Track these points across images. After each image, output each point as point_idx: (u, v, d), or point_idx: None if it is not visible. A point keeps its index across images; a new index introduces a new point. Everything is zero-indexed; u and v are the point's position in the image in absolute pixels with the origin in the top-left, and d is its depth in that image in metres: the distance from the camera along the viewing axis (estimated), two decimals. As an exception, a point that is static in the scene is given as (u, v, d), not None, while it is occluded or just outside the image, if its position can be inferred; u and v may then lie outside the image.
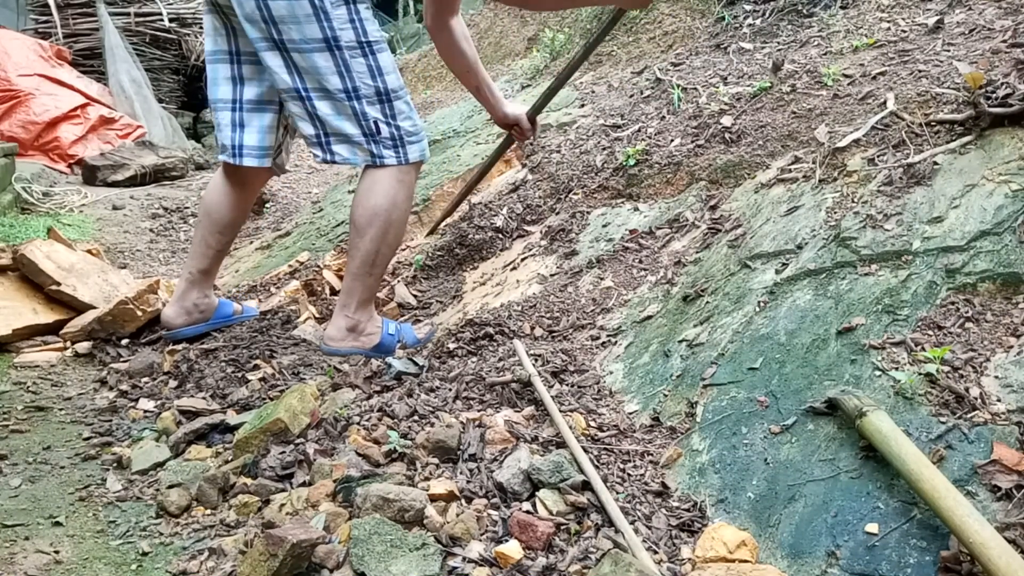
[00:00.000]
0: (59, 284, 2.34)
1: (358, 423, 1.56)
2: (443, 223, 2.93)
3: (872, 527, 1.14)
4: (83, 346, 2.22)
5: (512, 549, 1.17)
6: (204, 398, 1.85)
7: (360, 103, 1.88)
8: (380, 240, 1.98)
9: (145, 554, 1.29)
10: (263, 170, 2.18)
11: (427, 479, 1.35)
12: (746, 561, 1.17)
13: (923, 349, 1.36)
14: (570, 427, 1.49)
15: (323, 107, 1.89)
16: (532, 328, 2.01)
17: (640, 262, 2.19)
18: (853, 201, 1.80)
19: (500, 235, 2.71)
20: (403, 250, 2.96)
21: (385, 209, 1.95)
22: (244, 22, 1.85)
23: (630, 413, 1.63)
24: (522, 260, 2.51)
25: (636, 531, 1.23)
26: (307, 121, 1.93)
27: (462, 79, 2.37)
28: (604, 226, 2.43)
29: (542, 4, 2.11)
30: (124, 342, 2.25)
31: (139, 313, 2.26)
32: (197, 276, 2.18)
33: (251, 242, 3.80)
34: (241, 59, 2.03)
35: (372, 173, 1.97)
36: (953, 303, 1.45)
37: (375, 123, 1.90)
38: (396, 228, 2.00)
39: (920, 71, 2.12)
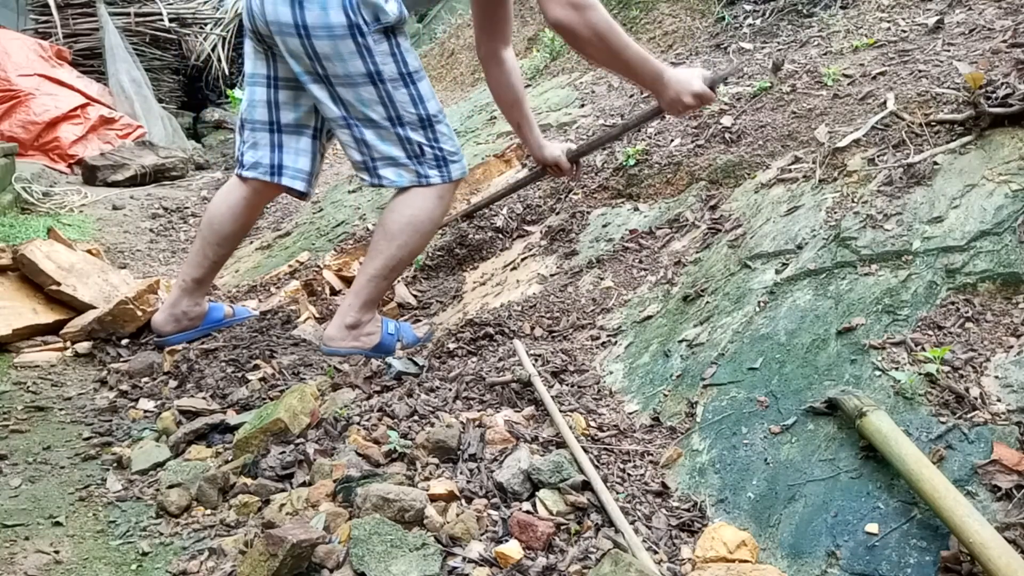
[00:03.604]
0: (59, 284, 2.34)
1: (358, 423, 1.56)
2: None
3: (872, 527, 1.14)
4: (83, 346, 2.22)
5: (512, 549, 1.17)
6: (204, 398, 1.85)
7: (404, 129, 1.94)
8: (407, 249, 2.03)
9: (145, 554, 1.29)
10: (272, 188, 2.18)
11: (427, 479, 1.35)
12: (746, 561, 1.17)
13: (923, 349, 1.36)
14: (570, 427, 1.49)
15: (369, 135, 1.94)
16: (532, 328, 2.01)
17: (640, 262, 2.19)
18: (853, 201, 1.80)
19: (500, 235, 2.71)
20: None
21: (421, 221, 2.00)
22: (287, 56, 1.89)
23: (630, 413, 1.63)
24: (522, 260, 2.51)
25: (636, 531, 1.23)
26: (354, 148, 1.98)
27: (506, 113, 2.37)
28: (604, 226, 2.43)
29: (592, 59, 2.10)
30: (124, 342, 2.25)
31: (139, 313, 2.26)
32: (191, 284, 2.18)
33: (251, 242, 3.80)
34: (279, 84, 2.05)
35: (417, 189, 2.00)
36: (953, 303, 1.45)
37: (419, 146, 1.96)
38: (423, 240, 2.06)
39: (920, 71, 2.12)
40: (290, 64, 1.91)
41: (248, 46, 2.06)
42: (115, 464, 1.60)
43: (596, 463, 1.40)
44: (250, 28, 1.99)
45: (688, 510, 1.33)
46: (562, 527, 1.24)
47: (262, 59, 2.04)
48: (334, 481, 1.35)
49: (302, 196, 2.22)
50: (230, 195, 2.17)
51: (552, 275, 2.33)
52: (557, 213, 2.65)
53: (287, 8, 1.81)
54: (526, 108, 2.34)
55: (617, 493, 1.34)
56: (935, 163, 1.75)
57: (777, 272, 1.75)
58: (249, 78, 2.09)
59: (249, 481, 1.44)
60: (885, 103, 2.04)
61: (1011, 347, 1.32)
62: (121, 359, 2.17)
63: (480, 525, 1.24)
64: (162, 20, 6.87)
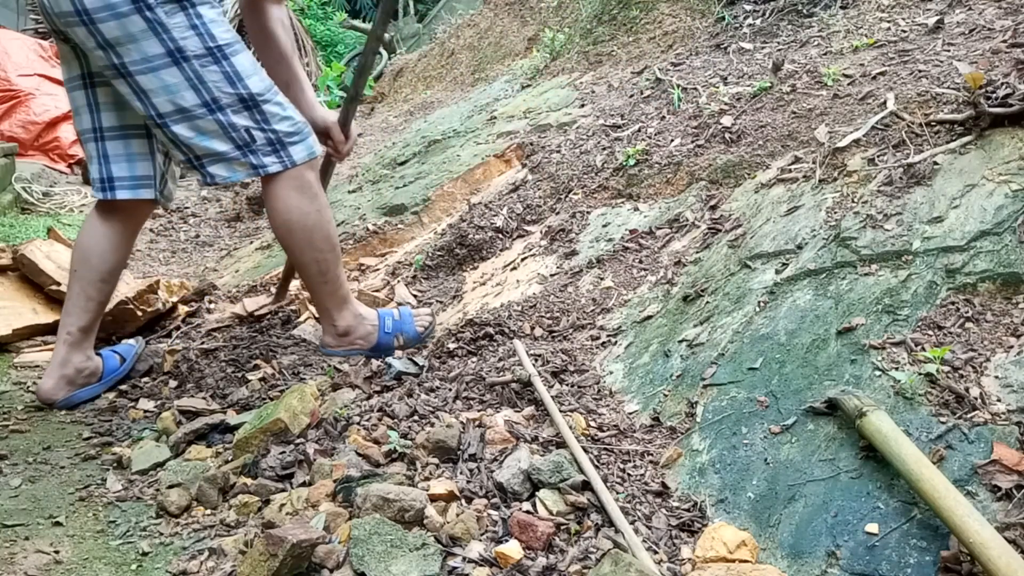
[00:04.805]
0: (59, 284, 2.34)
1: (358, 423, 1.56)
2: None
3: (872, 527, 1.14)
4: (83, 346, 2.22)
5: (512, 549, 1.17)
6: (204, 398, 1.85)
7: (225, 114, 1.72)
8: (308, 250, 1.88)
9: (145, 554, 1.29)
10: (143, 204, 1.95)
11: (427, 479, 1.35)
12: (746, 561, 1.17)
13: (923, 349, 1.36)
14: (570, 427, 1.49)
15: (182, 130, 1.72)
16: (532, 328, 2.01)
17: (640, 262, 2.19)
18: (853, 201, 1.80)
19: (500, 235, 2.71)
20: (404, 251, 2.96)
21: (295, 220, 1.84)
22: (87, 51, 1.70)
23: (630, 413, 1.63)
24: (522, 260, 2.51)
25: (636, 531, 1.23)
26: (174, 147, 1.78)
27: (272, 70, 2.01)
28: (604, 226, 2.43)
29: None
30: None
31: (139, 313, 2.26)
32: (77, 336, 1.89)
33: (251, 242, 3.80)
34: (95, 83, 1.82)
35: (267, 187, 1.83)
36: (953, 303, 1.45)
37: (247, 131, 1.74)
38: (319, 232, 1.88)
39: (920, 71, 2.12)
40: (93, 59, 1.71)
41: (60, 49, 1.84)
42: (115, 464, 1.60)
43: (596, 463, 1.40)
44: (50, 28, 1.76)
45: (688, 510, 1.33)
46: (562, 527, 1.24)
47: (73, 58, 1.81)
48: (334, 481, 1.35)
49: (163, 205, 1.98)
50: (97, 223, 1.93)
51: (552, 275, 2.33)
52: (557, 213, 2.65)
53: None
54: (296, 66, 2.05)
55: (617, 493, 1.34)
56: (935, 163, 1.75)
57: (777, 272, 1.75)
58: (67, 83, 1.85)
59: (249, 481, 1.44)
60: (885, 103, 2.04)
61: (1011, 347, 1.32)
62: (121, 359, 2.17)
63: (480, 525, 1.24)
64: (162, 20, 6.87)
